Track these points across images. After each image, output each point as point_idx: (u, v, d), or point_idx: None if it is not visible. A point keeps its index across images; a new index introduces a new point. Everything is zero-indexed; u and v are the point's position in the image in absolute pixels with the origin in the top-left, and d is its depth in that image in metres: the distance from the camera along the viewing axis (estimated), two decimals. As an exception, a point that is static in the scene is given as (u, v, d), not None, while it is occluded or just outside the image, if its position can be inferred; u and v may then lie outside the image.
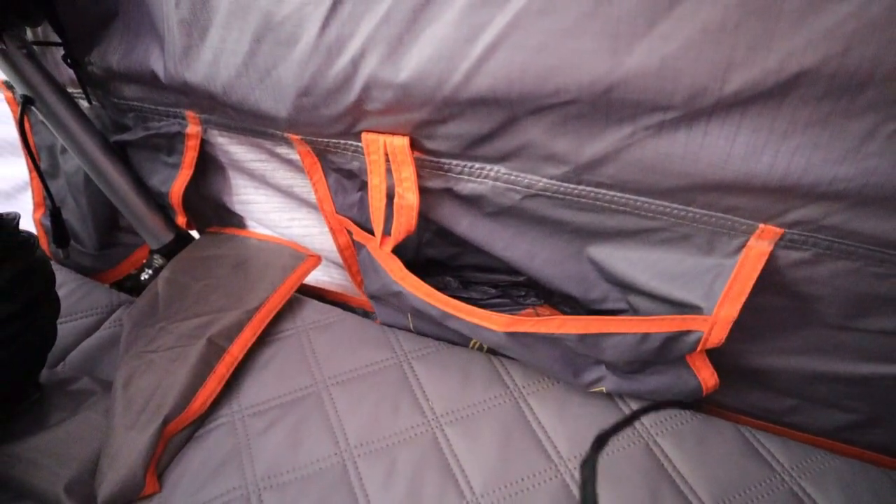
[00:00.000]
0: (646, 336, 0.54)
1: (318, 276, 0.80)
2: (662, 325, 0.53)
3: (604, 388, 0.59)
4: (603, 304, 0.59)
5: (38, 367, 0.61)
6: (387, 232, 0.61)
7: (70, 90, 0.72)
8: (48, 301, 0.58)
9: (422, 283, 0.61)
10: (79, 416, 0.61)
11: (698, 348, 0.54)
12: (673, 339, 0.54)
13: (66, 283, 0.77)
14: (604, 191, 0.52)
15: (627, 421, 0.56)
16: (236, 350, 0.64)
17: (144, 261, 0.81)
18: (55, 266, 0.78)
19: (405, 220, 0.59)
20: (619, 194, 0.52)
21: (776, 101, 0.42)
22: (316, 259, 0.74)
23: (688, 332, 0.53)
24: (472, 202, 0.59)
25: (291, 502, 0.54)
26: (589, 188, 0.52)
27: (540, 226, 0.58)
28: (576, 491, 0.55)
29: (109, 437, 0.58)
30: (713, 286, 0.51)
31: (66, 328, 0.73)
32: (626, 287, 0.56)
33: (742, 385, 0.62)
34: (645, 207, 0.52)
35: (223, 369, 0.62)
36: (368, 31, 0.49)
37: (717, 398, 0.62)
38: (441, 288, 0.62)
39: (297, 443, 0.59)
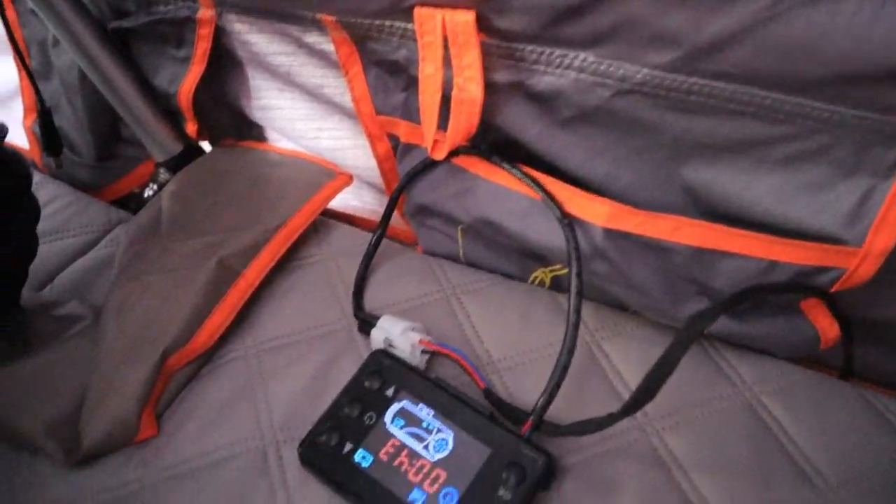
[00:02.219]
0: (773, 265, 0.43)
1: (349, 201, 0.69)
2: (799, 253, 0.42)
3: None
4: None
5: (17, 284, 0.51)
6: (443, 127, 0.50)
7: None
8: (21, 202, 0.48)
9: (500, 164, 0.50)
10: (65, 344, 0.51)
11: (832, 289, 0.43)
12: (806, 273, 0.43)
13: (59, 197, 0.67)
14: (723, 84, 0.40)
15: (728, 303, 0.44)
16: (251, 275, 0.53)
17: (149, 176, 0.71)
18: (47, 178, 0.68)
19: (465, 119, 0.48)
20: (743, 88, 0.39)
21: None
22: (346, 177, 0.63)
23: (826, 269, 0.42)
24: (547, 102, 0.47)
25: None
26: (703, 81, 0.40)
27: (628, 137, 0.46)
28: (661, 449, 0.45)
29: (98, 371, 0.48)
30: (859, 212, 0.40)
31: (55, 247, 0.62)
32: (732, 220, 0.45)
33: (863, 341, 0.50)
34: (776, 107, 0.40)
35: (235, 297, 0.52)
36: None
37: (828, 357, 0.51)
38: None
39: (324, 386, 0.49)
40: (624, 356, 0.50)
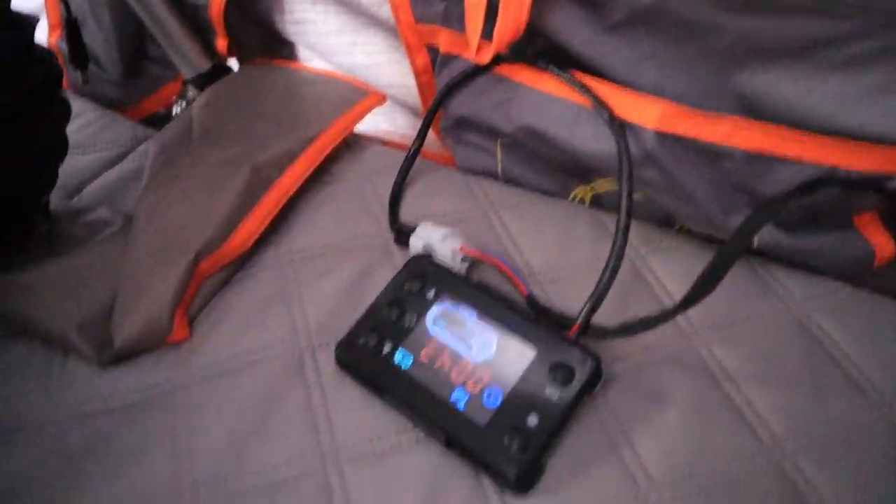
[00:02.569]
0: (833, 171, 0.41)
1: (380, 124, 0.67)
2: (863, 158, 0.40)
3: (755, 239, 0.46)
4: None
5: (47, 185, 0.50)
6: (485, 37, 0.48)
7: None
8: (52, 99, 0.46)
9: (547, 69, 0.48)
10: (95, 248, 0.50)
11: (902, 197, 0.41)
12: (868, 181, 0.41)
13: (85, 113, 0.65)
14: (786, -24, 0.38)
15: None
16: (286, 183, 0.51)
17: (175, 97, 0.69)
18: (73, 95, 0.67)
19: (513, 18, 0.46)
20: (811, -22, 0.38)
21: None
22: (379, 97, 0.61)
23: (891, 175, 0.40)
24: (597, 4, 0.45)
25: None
26: (764, -27, 0.38)
27: (680, 42, 0.44)
28: (710, 360, 0.43)
29: (131, 271, 0.47)
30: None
31: (83, 161, 0.61)
32: (791, 125, 0.43)
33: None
34: (845, 1, 0.38)
35: (270, 203, 0.50)
36: None
37: (881, 280, 0.50)
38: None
39: (359, 295, 0.47)
40: (668, 270, 0.48)
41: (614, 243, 0.42)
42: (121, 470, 0.40)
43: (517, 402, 0.39)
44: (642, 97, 0.45)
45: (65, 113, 0.49)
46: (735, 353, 0.44)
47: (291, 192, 0.52)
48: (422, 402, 0.40)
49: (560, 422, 0.39)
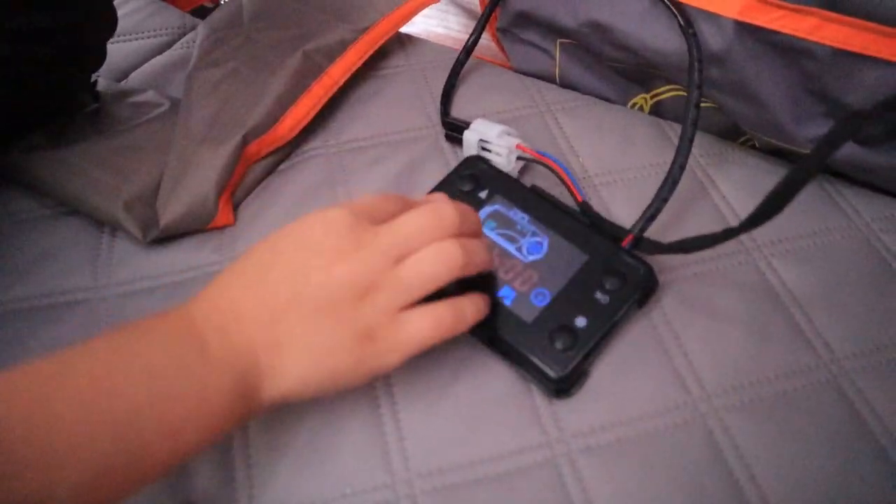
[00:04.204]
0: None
1: (432, 27, 0.65)
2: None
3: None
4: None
5: (96, 61, 0.49)
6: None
7: None
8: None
9: None
10: (142, 127, 0.49)
11: None
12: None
13: (131, 0, 0.64)
14: None
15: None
16: (336, 72, 0.50)
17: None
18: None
19: None
20: None
21: None
22: None
23: None
24: None
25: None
26: None
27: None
28: (770, 275, 0.41)
29: (178, 151, 0.46)
30: None
31: (129, 47, 0.60)
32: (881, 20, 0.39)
33: None
34: None
35: (320, 90, 0.49)
36: None
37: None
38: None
39: (408, 187, 0.46)
40: (732, 184, 0.46)
41: (677, 154, 0.40)
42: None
43: (565, 303, 0.38)
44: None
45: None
46: (796, 269, 0.42)
47: (342, 82, 0.50)
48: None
49: (609, 327, 0.38)
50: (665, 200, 0.40)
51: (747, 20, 0.40)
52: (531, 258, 0.40)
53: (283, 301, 0.31)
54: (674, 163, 0.40)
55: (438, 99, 0.51)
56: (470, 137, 0.46)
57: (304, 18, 0.53)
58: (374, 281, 0.31)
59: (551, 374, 0.36)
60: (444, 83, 0.52)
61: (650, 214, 0.40)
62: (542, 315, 0.38)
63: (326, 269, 0.31)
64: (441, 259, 0.32)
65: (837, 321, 0.40)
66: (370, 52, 0.52)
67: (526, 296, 0.39)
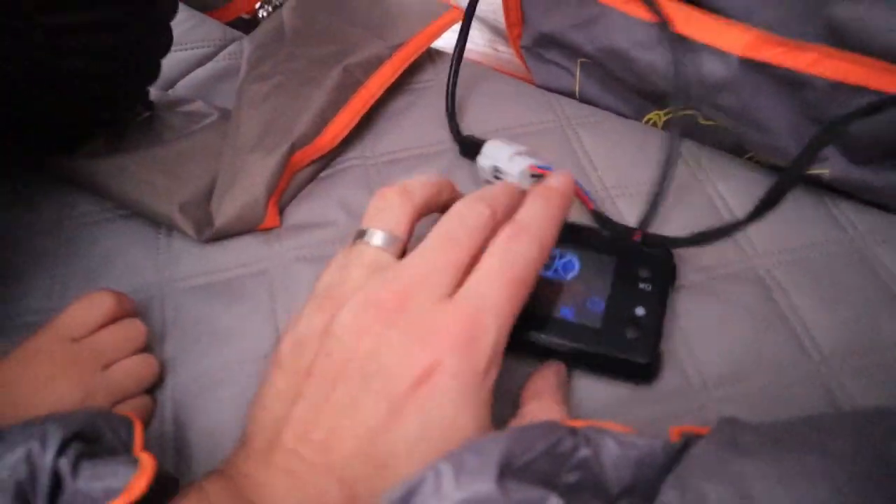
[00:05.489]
0: (914, 102, 0.42)
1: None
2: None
3: (826, 172, 0.48)
4: None
5: (151, 75, 0.53)
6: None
7: None
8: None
9: None
10: (194, 135, 0.53)
11: None
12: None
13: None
14: None
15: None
16: (374, 86, 0.54)
17: (259, 2, 0.71)
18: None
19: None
20: None
21: None
22: (459, 11, 0.62)
23: None
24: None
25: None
26: None
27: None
28: (769, 281, 0.46)
29: (229, 158, 0.50)
30: None
31: (174, 58, 0.64)
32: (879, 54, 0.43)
33: None
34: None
35: (359, 103, 0.53)
36: None
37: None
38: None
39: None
40: (735, 193, 0.50)
41: (669, 155, 0.45)
42: (227, 338, 0.45)
43: (619, 301, 0.42)
44: (731, 25, 0.46)
45: (172, 5, 0.52)
46: (793, 274, 0.46)
47: (378, 95, 0.54)
48: (535, 327, 0.41)
49: (663, 308, 0.42)
50: (659, 196, 0.45)
51: (751, 56, 0.44)
52: (570, 276, 0.44)
53: None
54: (667, 165, 0.45)
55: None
56: (483, 163, 0.49)
57: (342, 33, 0.57)
58: None
59: (641, 360, 0.40)
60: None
61: (649, 209, 0.45)
62: (606, 318, 0.41)
63: None
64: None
65: (827, 323, 0.44)
66: (404, 67, 0.56)
67: (583, 307, 0.42)
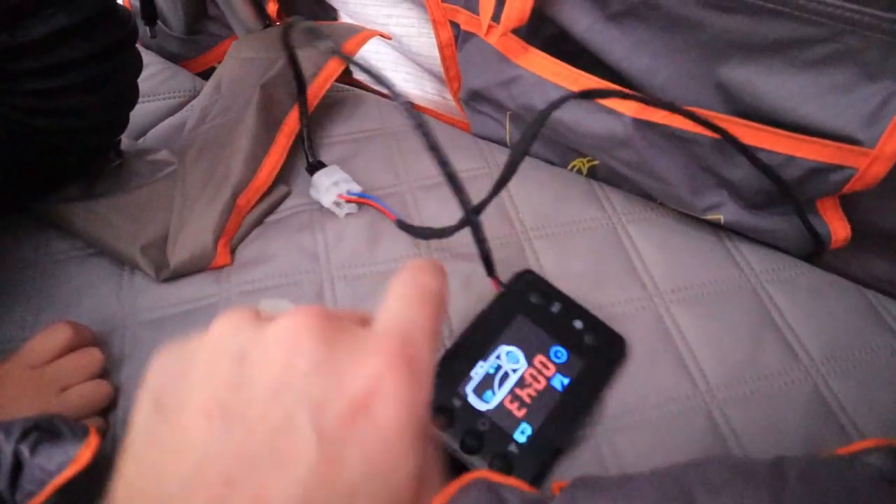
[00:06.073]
0: (790, 160, 0.47)
1: (410, 89, 0.74)
2: (816, 150, 0.46)
3: (721, 217, 0.53)
4: None
5: (119, 129, 0.59)
6: (495, 20, 0.54)
7: None
8: (129, 54, 0.55)
9: (548, 57, 0.54)
10: (157, 183, 0.59)
11: (844, 189, 0.46)
12: (819, 171, 0.46)
13: (150, 65, 0.74)
14: (761, -16, 0.43)
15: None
16: (292, 121, 0.60)
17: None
18: (140, 48, 0.75)
19: (518, 7, 0.52)
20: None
21: None
22: (374, 32, 0.66)
23: (839, 167, 0.46)
24: (599, -4, 0.51)
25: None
26: (743, -21, 0.44)
27: (669, 34, 0.50)
28: (669, 321, 0.50)
29: (179, 207, 0.56)
30: (878, 115, 0.43)
31: (147, 108, 0.70)
32: (760, 117, 0.48)
33: (870, 250, 0.54)
34: (810, 8, 0.43)
35: (283, 139, 0.59)
36: None
37: (837, 263, 0.56)
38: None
39: (376, 236, 0.56)
40: (644, 236, 0.55)
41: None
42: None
43: (577, 361, 0.47)
44: (621, 100, 0.51)
45: (138, 66, 0.58)
46: (689, 311, 0.51)
47: (296, 130, 0.60)
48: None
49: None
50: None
51: (641, 118, 0.50)
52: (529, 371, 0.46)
53: None
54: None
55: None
56: (313, 193, 0.58)
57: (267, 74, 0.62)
58: None
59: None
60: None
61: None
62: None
63: None
64: None
65: (716, 355, 0.49)
66: (320, 96, 0.61)
67: (549, 388, 0.46)
